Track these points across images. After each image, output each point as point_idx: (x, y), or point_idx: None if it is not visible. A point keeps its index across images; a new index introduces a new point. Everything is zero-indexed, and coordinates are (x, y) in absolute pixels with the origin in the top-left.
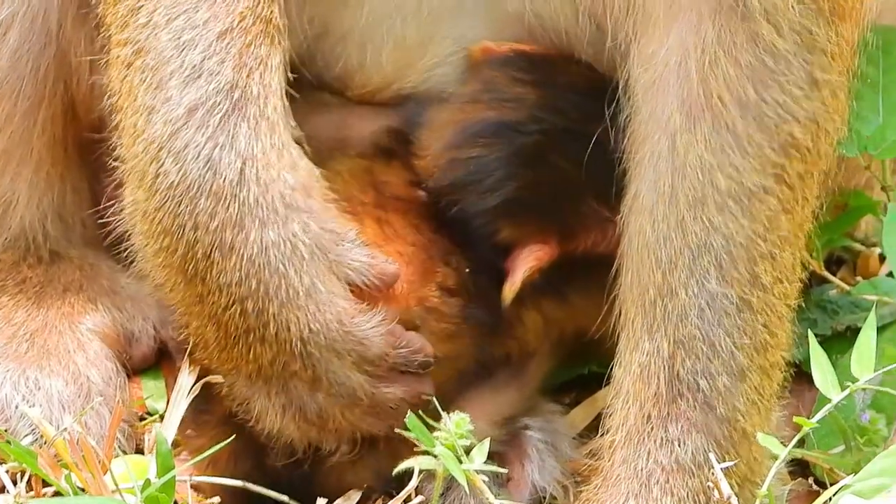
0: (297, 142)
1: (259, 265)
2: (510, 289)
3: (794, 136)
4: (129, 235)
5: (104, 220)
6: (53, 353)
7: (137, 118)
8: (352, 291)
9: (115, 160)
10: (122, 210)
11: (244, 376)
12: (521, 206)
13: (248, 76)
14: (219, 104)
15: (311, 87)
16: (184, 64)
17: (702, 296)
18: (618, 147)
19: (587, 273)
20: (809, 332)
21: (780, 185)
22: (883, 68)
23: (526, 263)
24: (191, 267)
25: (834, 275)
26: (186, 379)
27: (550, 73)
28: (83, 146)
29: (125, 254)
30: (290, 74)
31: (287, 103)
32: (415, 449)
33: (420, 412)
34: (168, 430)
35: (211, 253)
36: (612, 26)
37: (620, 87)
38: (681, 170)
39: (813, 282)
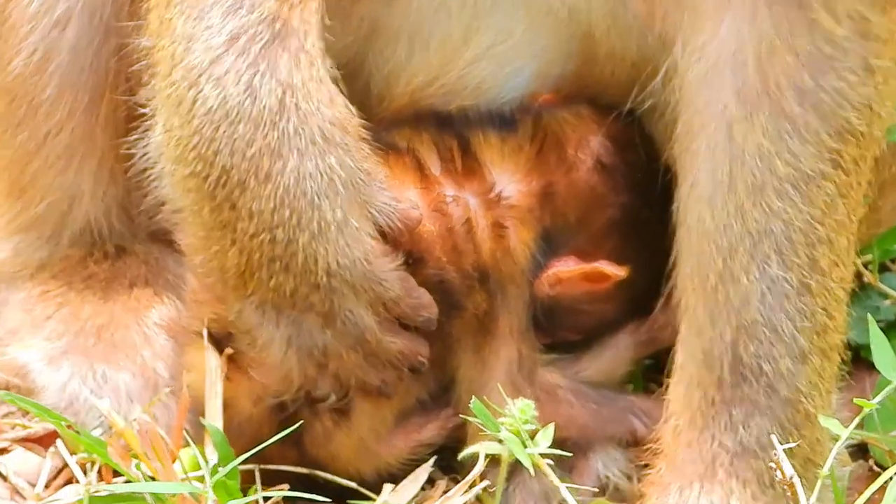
0: (334, 81)
1: (294, 195)
2: (559, 274)
3: (850, 121)
4: (153, 163)
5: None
6: (120, 346)
7: (175, 48)
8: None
9: (143, 105)
10: (145, 145)
11: (257, 304)
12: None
13: (289, 10)
14: (260, 33)
15: None
16: None
17: (763, 281)
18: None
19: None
20: (869, 316)
21: (836, 170)
22: None
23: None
24: (221, 193)
25: (894, 263)
26: (214, 361)
27: None
28: None
29: None
30: None
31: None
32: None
33: (483, 398)
34: (211, 415)
35: (246, 179)
36: (661, 18)
37: (659, 80)
38: (739, 157)
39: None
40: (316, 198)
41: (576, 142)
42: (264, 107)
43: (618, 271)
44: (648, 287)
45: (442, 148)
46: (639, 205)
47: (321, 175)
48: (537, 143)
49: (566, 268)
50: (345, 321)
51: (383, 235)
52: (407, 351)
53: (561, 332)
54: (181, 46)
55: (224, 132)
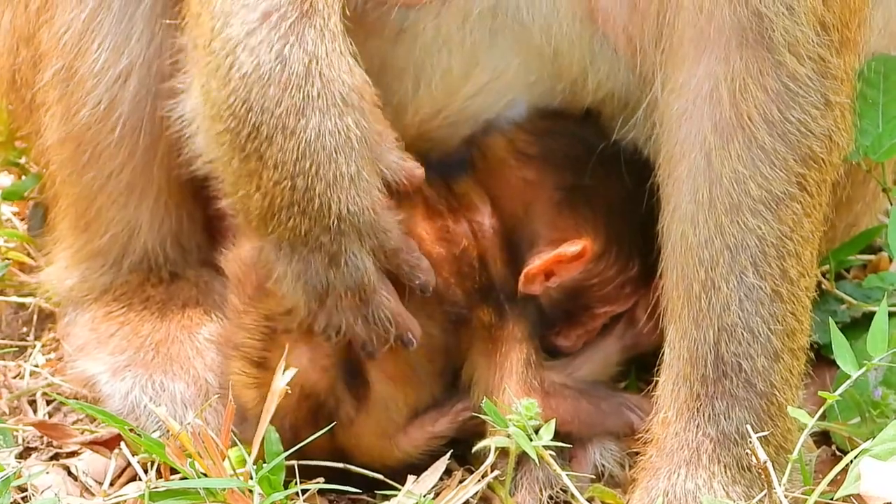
0: (353, 56)
1: (315, 149)
2: (528, 273)
3: (813, 149)
4: (188, 123)
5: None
6: (176, 359)
7: (215, 22)
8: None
9: (181, 70)
10: (178, 105)
11: (275, 243)
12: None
13: None
14: (290, 12)
15: None
16: None
17: (741, 289)
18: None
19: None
20: (830, 319)
21: (802, 192)
22: (883, 90)
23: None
24: (251, 146)
25: (847, 272)
26: (282, 377)
27: None
28: (196, 178)
29: None
30: None
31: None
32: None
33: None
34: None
35: (273, 134)
36: (640, 59)
37: (641, 113)
38: (717, 181)
39: (831, 278)
40: (334, 152)
41: (502, 146)
42: (292, 73)
43: (576, 247)
44: (638, 233)
45: (438, 189)
46: (574, 179)
47: (339, 132)
48: (477, 167)
49: (532, 265)
50: (348, 263)
51: (389, 190)
52: (398, 318)
53: (601, 308)
54: (220, 21)
55: (256, 93)
